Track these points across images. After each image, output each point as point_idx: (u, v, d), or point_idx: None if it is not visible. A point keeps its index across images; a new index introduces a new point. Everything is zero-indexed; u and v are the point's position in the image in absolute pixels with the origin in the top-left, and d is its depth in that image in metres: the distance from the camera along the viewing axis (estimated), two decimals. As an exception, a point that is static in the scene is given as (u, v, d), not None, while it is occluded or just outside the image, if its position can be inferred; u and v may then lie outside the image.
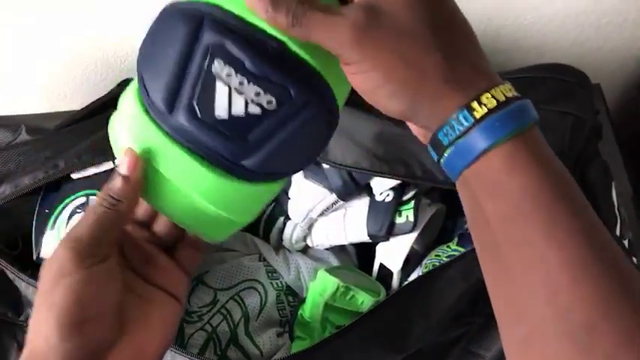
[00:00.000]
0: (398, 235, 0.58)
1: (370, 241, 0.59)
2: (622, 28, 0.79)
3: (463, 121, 0.29)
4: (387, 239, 0.59)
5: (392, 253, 0.59)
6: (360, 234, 0.59)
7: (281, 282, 0.62)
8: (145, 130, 0.34)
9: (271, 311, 0.59)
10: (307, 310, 0.57)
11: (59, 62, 0.80)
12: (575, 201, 0.29)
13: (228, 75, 0.31)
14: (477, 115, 0.29)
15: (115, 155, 0.37)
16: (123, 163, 0.34)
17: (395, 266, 0.59)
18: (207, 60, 0.31)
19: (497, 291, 0.31)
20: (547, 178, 0.29)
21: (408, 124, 0.35)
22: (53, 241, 0.55)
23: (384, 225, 0.57)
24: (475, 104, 0.29)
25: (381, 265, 0.60)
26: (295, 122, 0.32)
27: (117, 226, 0.36)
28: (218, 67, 0.31)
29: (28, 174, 0.55)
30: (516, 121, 0.29)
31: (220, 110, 0.32)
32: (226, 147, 0.33)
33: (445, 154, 0.30)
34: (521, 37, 0.79)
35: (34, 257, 0.56)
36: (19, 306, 0.54)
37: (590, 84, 0.64)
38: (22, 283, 0.53)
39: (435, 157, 0.32)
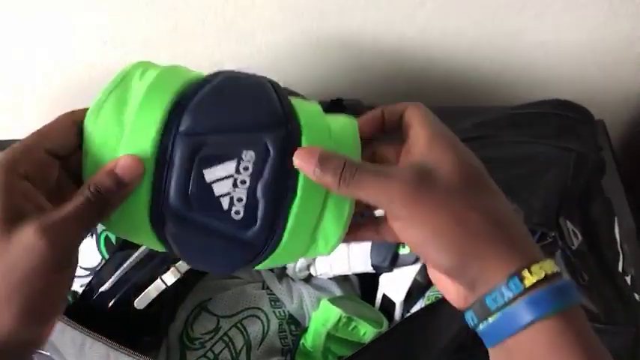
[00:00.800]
0: (401, 266, 0.58)
1: (374, 271, 0.60)
2: (626, 66, 0.80)
3: (513, 287, 0.29)
4: (391, 270, 0.59)
5: (395, 284, 0.59)
6: (363, 264, 0.59)
7: (284, 311, 0.62)
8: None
9: (273, 340, 0.59)
10: (309, 340, 0.57)
11: (72, 85, 0.81)
12: None
13: (245, 168, 0.32)
14: (527, 284, 0.29)
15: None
16: (125, 165, 0.31)
17: (398, 297, 0.59)
18: (248, 143, 0.32)
19: None
20: (591, 358, 0.29)
21: (439, 288, 0.36)
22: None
23: (387, 256, 0.57)
24: (526, 272, 0.29)
25: (384, 296, 0.60)
26: (229, 244, 0.33)
27: (93, 225, 0.32)
28: (247, 155, 0.32)
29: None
30: (564, 297, 0.29)
31: (210, 174, 0.32)
32: (174, 199, 0.32)
33: (490, 320, 0.30)
34: (526, 73, 0.80)
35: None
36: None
37: (593, 120, 0.64)
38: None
39: (473, 322, 0.31)
